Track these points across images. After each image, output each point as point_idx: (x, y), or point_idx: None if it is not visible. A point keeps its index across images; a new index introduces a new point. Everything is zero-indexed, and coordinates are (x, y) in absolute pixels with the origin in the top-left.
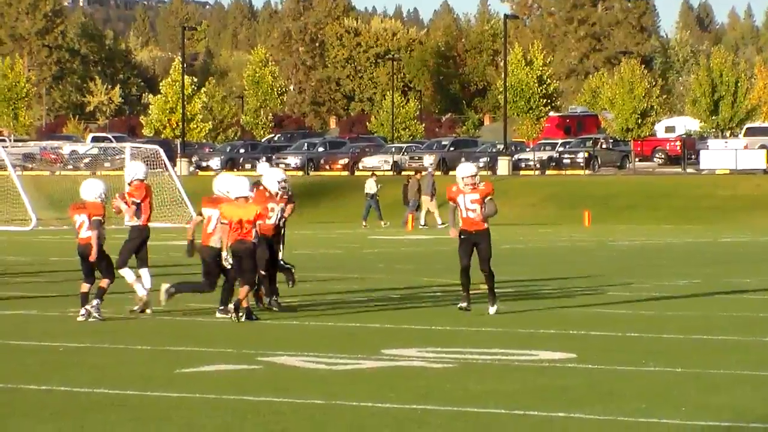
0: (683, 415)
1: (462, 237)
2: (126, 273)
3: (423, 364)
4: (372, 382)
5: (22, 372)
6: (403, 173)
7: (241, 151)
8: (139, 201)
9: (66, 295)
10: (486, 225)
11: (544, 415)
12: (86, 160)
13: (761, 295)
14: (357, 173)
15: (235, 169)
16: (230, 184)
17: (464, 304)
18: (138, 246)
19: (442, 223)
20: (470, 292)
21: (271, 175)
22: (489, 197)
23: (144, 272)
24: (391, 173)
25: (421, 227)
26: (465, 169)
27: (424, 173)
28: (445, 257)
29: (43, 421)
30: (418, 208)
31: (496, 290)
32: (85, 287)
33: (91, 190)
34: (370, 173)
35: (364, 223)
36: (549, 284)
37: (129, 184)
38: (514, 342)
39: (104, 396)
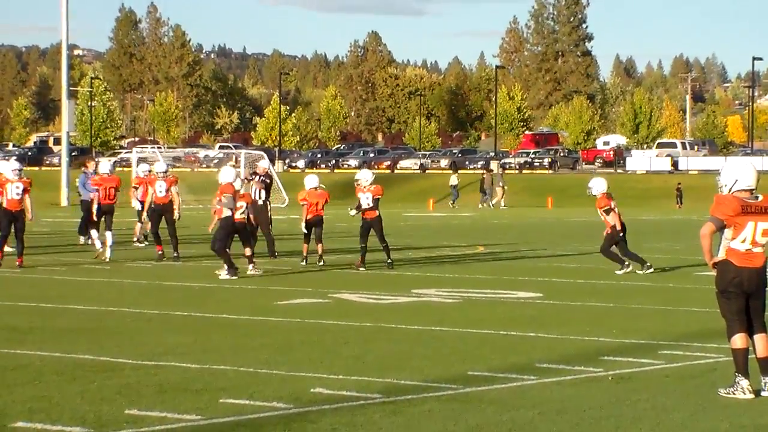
0: (614, 336)
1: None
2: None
3: (439, 299)
4: (404, 311)
5: (170, 302)
6: (459, 171)
7: (318, 156)
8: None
9: (201, 256)
10: (377, 213)
11: (521, 335)
12: (215, 161)
13: (666, 255)
14: (396, 171)
15: (315, 168)
16: (308, 180)
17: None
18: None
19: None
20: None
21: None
22: (378, 197)
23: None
24: (450, 171)
25: (491, 208)
26: (364, 175)
27: (492, 172)
28: (476, 228)
29: (184, 336)
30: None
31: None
32: (247, 251)
33: (224, 175)
34: (452, 171)
35: (452, 204)
36: (524, 247)
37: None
38: (500, 285)
39: (225, 319)
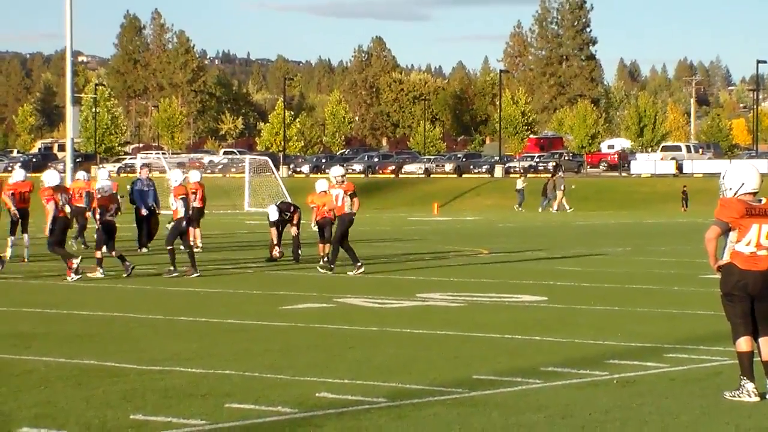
0: (619, 339)
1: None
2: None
3: (444, 303)
4: (409, 316)
5: (175, 307)
6: (511, 175)
7: (323, 160)
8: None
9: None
10: (347, 210)
11: (526, 338)
12: (219, 167)
13: (671, 258)
14: (400, 175)
15: (319, 173)
16: (319, 184)
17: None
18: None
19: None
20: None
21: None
22: (350, 192)
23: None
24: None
25: (554, 212)
26: (335, 171)
27: (556, 176)
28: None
29: (189, 341)
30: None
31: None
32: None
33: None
34: (519, 175)
35: (519, 209)
36: (529, 249)
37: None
38: (505, 289)
39: (231, 324)
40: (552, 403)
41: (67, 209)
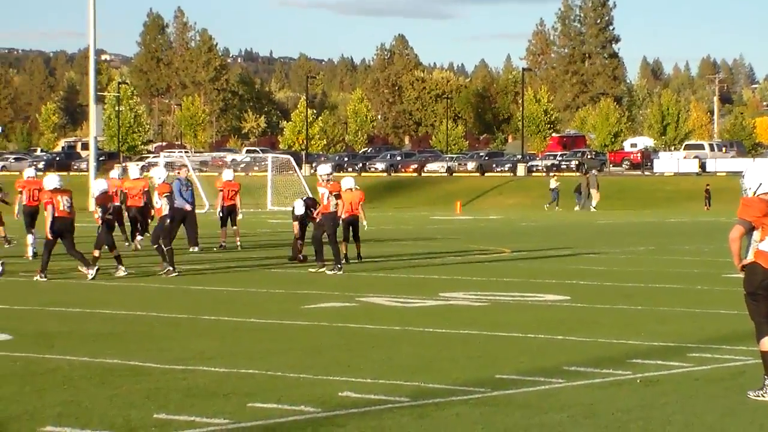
0: (642, 338)
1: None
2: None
3: (467, 303)
4: (432, 315)
5: (198, 306)
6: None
7: (345, 159)
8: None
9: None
10: (331, 210)
11: (549, 338)
12: (242, 165)
13: (695, 257)
14: (423, 174)
15: (342, 172)
16: (344, 182)
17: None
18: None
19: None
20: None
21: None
22: (335, 193)
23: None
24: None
25: (592, 210)
26: (322, 169)
27: (589, 174)
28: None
29: (211, 340)
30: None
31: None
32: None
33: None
34: (552, 174)
35: (556, 207)
36: (552, 248)
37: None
38: (528, 288)
39: (253, 324)
40: (575, 402)
41: (101, 211)
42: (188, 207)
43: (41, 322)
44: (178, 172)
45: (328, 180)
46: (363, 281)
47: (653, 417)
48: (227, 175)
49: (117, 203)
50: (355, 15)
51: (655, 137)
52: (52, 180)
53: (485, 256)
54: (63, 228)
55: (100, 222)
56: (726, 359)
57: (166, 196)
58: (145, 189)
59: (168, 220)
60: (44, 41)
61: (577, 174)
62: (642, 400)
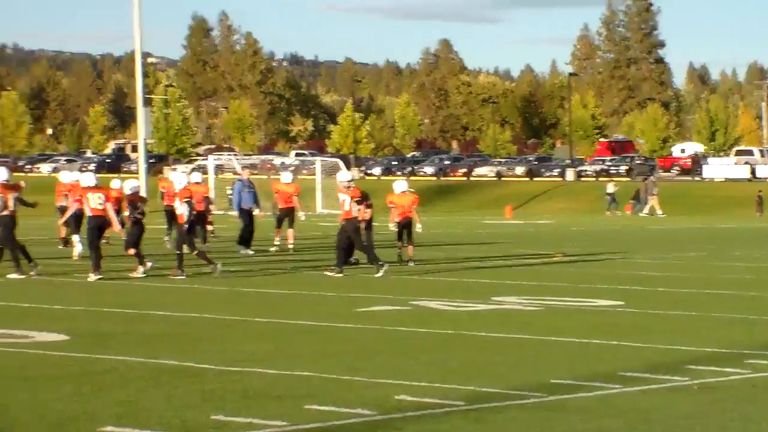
0: (696, 344)
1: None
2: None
3: (520, 307)
4: (485, 319)
5: (251, 308)
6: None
7: (393, 163)
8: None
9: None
10: (353, 216)
11: (604, 343)
12: (291, 168)
13: (746, 263)
14: (471, 178)
15: (390, 176)
16: (397, 185)
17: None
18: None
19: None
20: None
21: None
22: (357, 199)
23: None
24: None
25: (644, 216)
26: (342, 176)
27: (648, 180)
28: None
29: (265, 342)
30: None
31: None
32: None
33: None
34: (609, 179)
35: (617, 212)
36: (603, 253)
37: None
38: (580, 293)
39: (304, 326)
40: (632, 408)
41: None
42: (252, 207)
43: (96, 322)
44: (241, 174)
45: (348, 186)
46: (415, 285)
47: (710, 424)
48: (285, 177)
49: (201, 209)
50: (401, 18)
51: (705, 143)
52: (88, 178)
53: (537, 260)
54: (100, 224)
55: (130, 221)
56: None
57: (186, 202)
58: (206, 195)
59: (187, 226)
60: (91, 44)
61: (627, 179)
62: (699, 407)
